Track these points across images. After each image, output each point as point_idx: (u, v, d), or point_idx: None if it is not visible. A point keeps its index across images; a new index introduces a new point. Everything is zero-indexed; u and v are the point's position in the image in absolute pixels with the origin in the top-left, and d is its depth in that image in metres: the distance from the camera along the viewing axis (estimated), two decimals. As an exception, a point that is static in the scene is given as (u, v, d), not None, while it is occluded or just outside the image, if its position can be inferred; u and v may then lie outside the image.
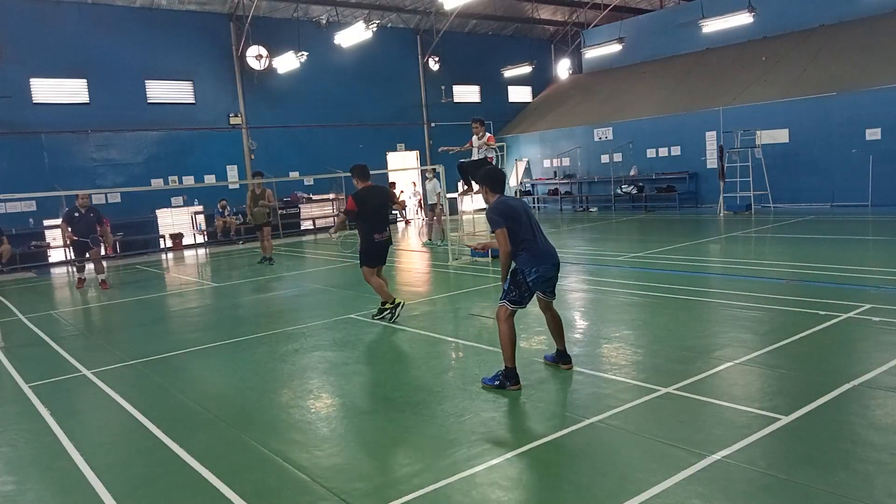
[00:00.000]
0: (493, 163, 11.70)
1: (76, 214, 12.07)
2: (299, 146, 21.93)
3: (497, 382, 5.16)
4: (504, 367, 5.17)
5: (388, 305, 7.79)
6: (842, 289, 7.90)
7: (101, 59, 18.55)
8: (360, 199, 7.73)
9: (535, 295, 5.44)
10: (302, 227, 22.10)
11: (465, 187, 12.30)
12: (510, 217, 5.17)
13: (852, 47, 18.48)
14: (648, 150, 21.58)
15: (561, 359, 5.62)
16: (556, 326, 5.62)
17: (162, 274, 14.90)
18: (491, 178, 5.44)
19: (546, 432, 4.30)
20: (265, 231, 14.37)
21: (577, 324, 7.41)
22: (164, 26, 19.54)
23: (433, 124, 25.51)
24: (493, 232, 5.27)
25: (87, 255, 12.33)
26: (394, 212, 23.67)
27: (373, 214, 7.79)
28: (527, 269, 5.24)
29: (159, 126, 19.62)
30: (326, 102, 22.61)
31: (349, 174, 8.07)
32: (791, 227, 14.16)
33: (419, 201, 21.94)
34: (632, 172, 21.89)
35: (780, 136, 18.12)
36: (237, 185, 20.70)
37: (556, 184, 24.61)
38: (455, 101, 25.95)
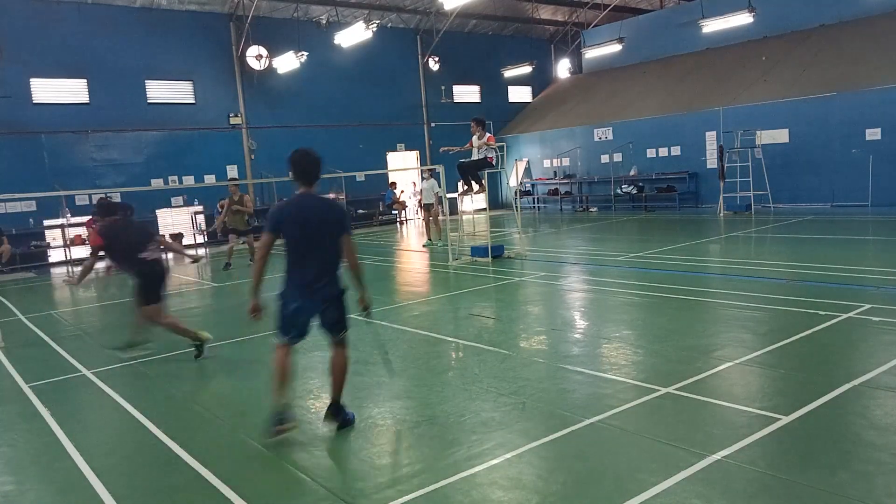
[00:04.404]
0: (494, 163, 11.73)
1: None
2: (299, 146, 21.84)
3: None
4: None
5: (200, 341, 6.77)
6: (842, 289, 7.90)
7: (101, 59, 18.54)
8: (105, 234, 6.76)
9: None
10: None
11: (465, 187, 12.31)
12: (284, 223, 4.45)
13: (852, 47, 18.47)
14: (648, 150, 21.57)
15: (329, 411, 4.56)
16: (335, 371, 4.55)
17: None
18: (293, 162, 4.64)
19: (546, 432, 4.30)
20: (249, 238, 14.13)
21: (578, 324, 7.41)
22: (164, 26, 19.53)
23: (433, 124, 25.51)
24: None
25: None
26: (393, 211, 23.71)
27: (128, 247, 6.73)
28: (286, 295, 4.52)
29: (159, 126, 19.61)
30: (326, 102, 22.60)
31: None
32: (791, 227, 14.16)
33: (419, 201, 21.94)
34: (632, 172, 21.88)
35: (780, 136, 18.11)
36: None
37: (556, 184, 24.61)
38: (455, 101, 25.94)
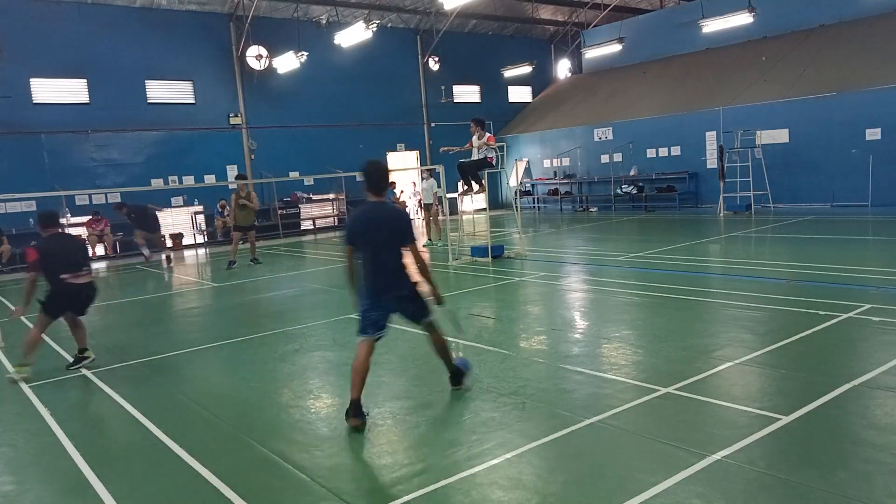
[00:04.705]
0: (494, 163, 11.73)
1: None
2: (299, 146, 21.92)
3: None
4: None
5: (25, 367, 6.58)
6: (842, 289, 7.90)
7: (101, 59, 18.55)
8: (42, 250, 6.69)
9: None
10: (302, 227, 22.10)
11: (465, 187, 12.30)
12: (356, 233, 4.85)
13: (852, 47, 18.47)
14: (648, 150, 21.57)
15: (452, 380, 5.26)
16: (437, 349, 5.22)
17: (162, 274, 14.90)
18: (366, 173, 4.85)
19: (546, 432, 4.30)
20: (251, 235, 14.40)
21: (578, 324, 7.41)
22: (164, 26, 19.53)
23: (433, 124, 25.51)
24: None
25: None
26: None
27: (63, 258, 6.71)
28: (363, 299, 4.89)
29: (159, 126, 19.61)
30: (326, 102, 22.61)
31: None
32: (791, 227, 14.16)
33: (419, 201, 21.96)
34: (632, 172, 21.88)
35: (780, 136, 18.12)
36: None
37: (556, 184, 24.61)
38: (455, 101, 25.94)
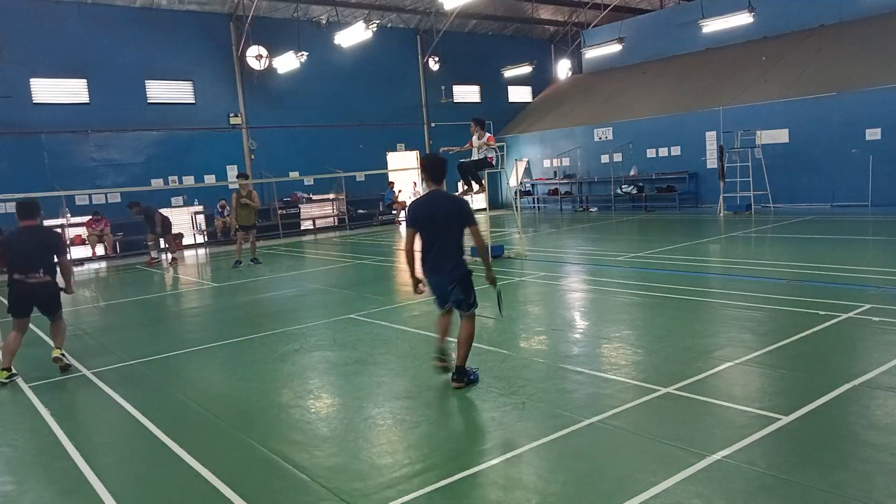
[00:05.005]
0: (494, 163, 11.72)
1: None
2: (299, 146, 21.92)
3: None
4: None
5: (4, 371, 6.46)
6: (842, 289, 7.90)
7: (101, 59, 18.54)
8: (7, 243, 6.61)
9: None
10: (302, 227, 22.10)
11: (465, 187, 12.30)
12: (418, 218, 5.37)
13: (852, 47, 18.47)
14: (648, 150, 21.57)
15: (454, 375, 5.34)
16: (461, 340, 5.39)
17: (162, 274, 14.90)
18: (426, 165, 5.54)
19: (546, 432, 4.30)
20: (252, 234, 14.50)
21: (578, 324, 7.41)
22: (164, 26, 19.53)
23: (433, 124, 25.51)
24: None
25: None
26: (393, 211, 23.70)
27: (21, 256, 6.55)
28: (426, 279, 5.46)
29: (159, 126, 19.61)
30: (326, 102, 22.60)
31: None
32: (791, 227, 14.15)
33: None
34: (632, 172, 21.88)
35: (780, 136, 18.12)
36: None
37: (556, 184, 24.61)
38: (455, 101, 25.93)
